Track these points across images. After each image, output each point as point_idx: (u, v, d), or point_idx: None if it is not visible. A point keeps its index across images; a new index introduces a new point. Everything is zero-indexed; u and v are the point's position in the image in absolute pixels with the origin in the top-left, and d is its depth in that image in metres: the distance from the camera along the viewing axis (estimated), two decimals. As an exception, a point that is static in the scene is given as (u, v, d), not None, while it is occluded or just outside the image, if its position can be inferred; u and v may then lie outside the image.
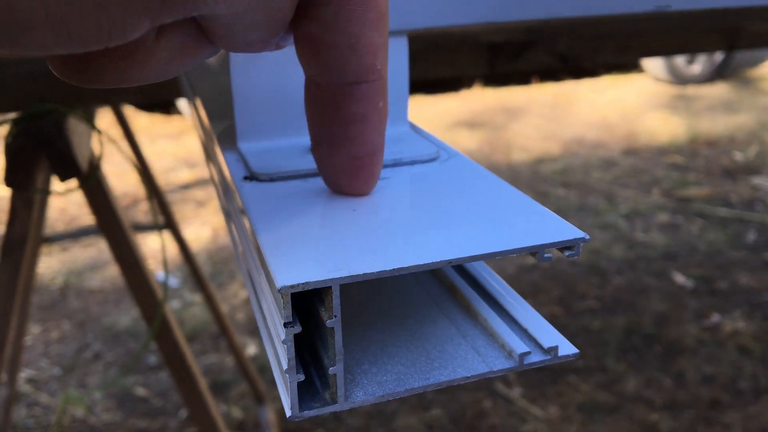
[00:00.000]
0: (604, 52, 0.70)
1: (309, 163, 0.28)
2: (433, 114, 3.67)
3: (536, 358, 0.21)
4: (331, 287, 0.18)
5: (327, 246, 0.20)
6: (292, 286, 0.18)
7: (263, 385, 1.46)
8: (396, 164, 0.28)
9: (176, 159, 3.05)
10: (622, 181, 2.70)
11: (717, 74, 4.20)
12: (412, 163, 0.28)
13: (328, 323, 0.19)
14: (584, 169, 2.85)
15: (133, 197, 2.58)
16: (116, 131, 1.45)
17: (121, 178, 2.70)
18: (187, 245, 1.51)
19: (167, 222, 1.50)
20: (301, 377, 0.19)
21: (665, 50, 0.73)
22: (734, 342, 1.64)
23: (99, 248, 2.18)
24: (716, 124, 3.39)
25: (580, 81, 4.25)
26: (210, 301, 1.48)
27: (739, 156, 2.95)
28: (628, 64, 4.46)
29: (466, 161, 0.28)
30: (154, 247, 2.16)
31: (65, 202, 2.54)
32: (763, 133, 3.23)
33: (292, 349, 0.19)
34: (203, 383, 0.79)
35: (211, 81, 0.33)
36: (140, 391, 1.55)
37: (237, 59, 0.29)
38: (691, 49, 0.73)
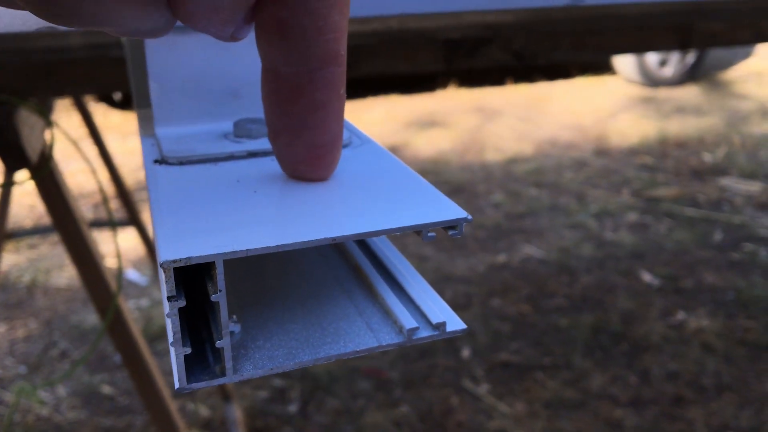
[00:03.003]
0: (560, 50, 0.71)
1: (222, 147, 0.29)
2: (407, 113, 3.68)
3: (425, 333, 0.22)
4: (215, 262, 0.19)
5: (218, 224, 0.21)
6: (174, 261, 0.18)
7: (230, 384, 1.45)
8: None
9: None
10: (593, 182, 2.73)
11: (688, 77, 4.26)
12: None
13: (213, 298, 0.19)
14: (556, 170, 2.87)
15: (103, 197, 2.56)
16: (84, 130, 1.44)
17: (90, 176, 2.67)
18: (153, 243, 1.50)
19: (134, 221, 1.49)
20: (188, 350, 0.19)
21: (619, 49, 0.74)
22: (698, 339, 1.67)
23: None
24: (686, 126, 3.44)
25: (553, 83, 4.29)
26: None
27: (707, 157, 2.99)
28: (601, 66, 4.51)
29: (376, 148, 0.29)
30: (122, 245, 2.15)
31: (34, 200, 2.51)
32: (731, 135, 3.28)
33: (177, 323, 0.19)
34: (158, 374, 0.78)
35: (140, 69, 0.34)
36: (106, 390, 1.54)
37: (153, 46, 0.30)
38: (645, 47, 0.74)
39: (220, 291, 0.19)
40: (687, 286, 1.92)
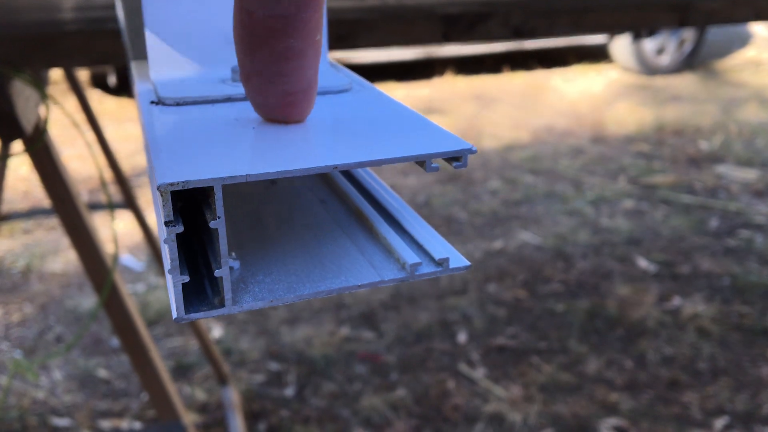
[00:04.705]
0: (558, 26, 0.70)
1: (218, 90, 0.28)
2: (404, 100, 3.66)
3: (427, 269, 0.22)
4: (213, 187, 0.18)
5: (216, 153, 0.21)
6: (171, 184, 0.18)
7: (227, 367, 1.46)
8: None
9: (143, 143, 3.02)
10: (590, 169, 2.73)
11: (685, 65, 4.26)
12: (324, 93, 0.28)
13: (212, 224, 0.19)
14: (553, 157, 2.87)
15: (99, 181, 2.55)
16: (80, 116, 1.43)
17: (85, 161, 2.66)
18: (150, 229, 1.50)
19: (131, 205, 1.49)
20: (186, 278, 0.19)
21: (618, 26, 0.73)
22: (694, 324, 1.68)
23: (62, 231, 2.15)
24: (683, 114, 3.44)
25: (550, 70, 4.28)
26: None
27: (704, 145, 2.99)
28: (598, 54, 4.49)
29: (377, 93, 0.29)
30: (117, 230, 2.14)
31: (29, 185, 2.50)
32: (728, 122, 3.28)
33: (175, 249, 0.19)
34: (156, 354, 0.78)
35: (136, 18, 0.33)
36: (102, 373, 1.53)
37: None
38: (644, 25, 0.74)
39: (219, 218, 0.19)
40: (683, 272, 1.92)
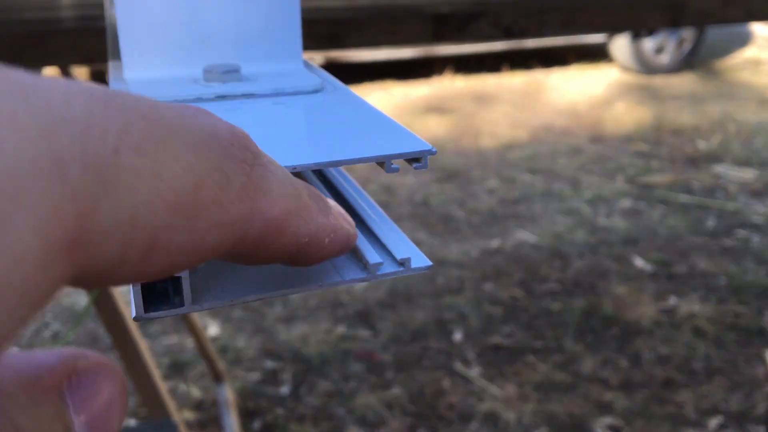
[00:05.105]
0: (549, 26, 0.70)
1: (189, 91, 0.28)
2: (403, 100, 3.67)
3: (389, 269, 0.22)
4: None
5: None
6: None
7: (222, 365, 1.46)
8: (278, 94, 0.28)
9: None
10: (588, 168, 2.73)
11: (684, 64, 4.26)
12: (295, 93, 0.29)
13: None
14: (551, 156, 2.87)
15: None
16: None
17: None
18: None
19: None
20: None
21: (610, 26, 0.73)
22: (690, 324, 1.68)
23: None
24: (682, 114, 3.44)
25: (550, 69, 4.28)
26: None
27: (702, 144, 3.00)
28: (597, 53, 4.49)
29: (348, 93, 0.29)
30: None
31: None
32: (726, 122, 3.28)
33: None
34: (147, 353, 0.79)
35: (110, 20, 0.34)
36: (98, 371, 1.54)
37: None
38: (635, 25, 0.74)
39: None
40: (679, 271, 1.92)
